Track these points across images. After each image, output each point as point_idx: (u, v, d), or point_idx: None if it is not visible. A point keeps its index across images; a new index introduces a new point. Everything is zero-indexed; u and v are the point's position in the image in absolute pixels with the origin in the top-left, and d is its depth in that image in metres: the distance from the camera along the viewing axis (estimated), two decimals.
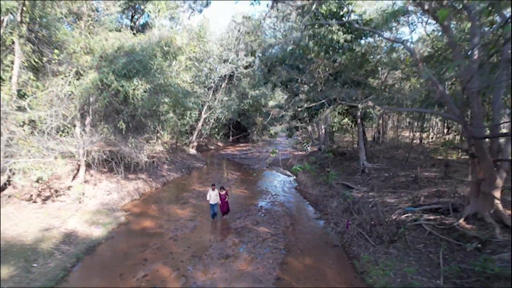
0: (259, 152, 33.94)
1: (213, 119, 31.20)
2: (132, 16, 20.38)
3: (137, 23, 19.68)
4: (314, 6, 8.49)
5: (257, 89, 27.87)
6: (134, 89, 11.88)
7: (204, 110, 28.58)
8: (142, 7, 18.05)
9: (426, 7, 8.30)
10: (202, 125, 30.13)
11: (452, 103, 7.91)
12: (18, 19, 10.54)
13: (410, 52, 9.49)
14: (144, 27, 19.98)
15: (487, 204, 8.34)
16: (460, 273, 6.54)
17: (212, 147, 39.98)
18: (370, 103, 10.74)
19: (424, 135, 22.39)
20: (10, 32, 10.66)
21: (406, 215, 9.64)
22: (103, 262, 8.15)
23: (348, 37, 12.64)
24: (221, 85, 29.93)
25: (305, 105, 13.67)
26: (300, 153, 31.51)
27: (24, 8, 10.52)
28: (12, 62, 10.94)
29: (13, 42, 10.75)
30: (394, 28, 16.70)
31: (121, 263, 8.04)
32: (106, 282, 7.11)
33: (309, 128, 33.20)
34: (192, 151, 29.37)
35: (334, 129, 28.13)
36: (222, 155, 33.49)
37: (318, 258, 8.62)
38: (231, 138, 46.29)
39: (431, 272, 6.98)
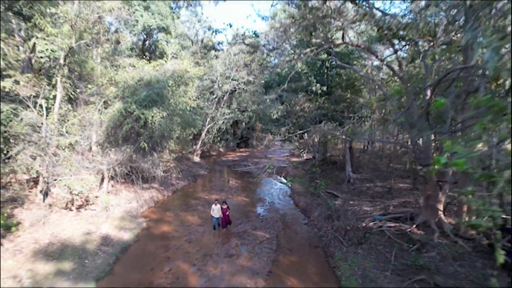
0: (258, 158, 36.40)
1: (215, 129, 33.58)
2: (144, 41, 22.77)
3: (149, 48, 22.06)
4: (298, 64, 10.90)
5: (256, 104, 30.26)
6: (152, 116, 14.31)
7: (207, 121, 30.98)
8: (155, 36, 20.49)
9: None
10: (205, 134, 32.53)
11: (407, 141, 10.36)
12: (62, 62, 12.97)
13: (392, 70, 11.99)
14: (155, 50, 22.38)
15: (433, 214, 10.78)
16: (402, 267, 8.97)
17: (214, 153, 42.39)
18: (341, 135, 13.16)
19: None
20: (54, 73, 13.10)
21: (374, 222, 12.06)
22: (136, 260, 10.57)
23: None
24: (223, 98, 32.35)
25: (296, 131, 16.15)
26: (296, 159, 33.94)
27: (68, 53, 12.96)
28: (55, 96, 13.38)
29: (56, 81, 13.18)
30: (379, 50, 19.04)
31: (150, 261, 10.46)
32: (142, 274, 9.53)
33: (305, 135, 35.63)
34: (197, 159, 31.83)
35: (327, 139, 30.45)
36: (224, 161, 35.90)
37: (302, 256, 11.05)
38: (232, 143, 48.70)
39: (384, 267, 9.40)
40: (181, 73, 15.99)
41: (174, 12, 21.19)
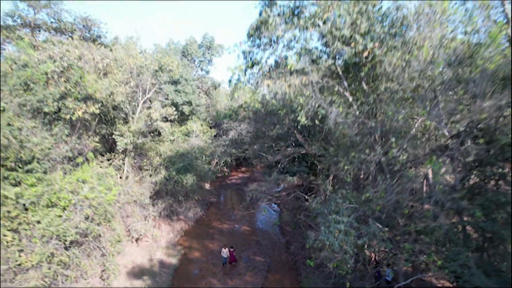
0: (257, 181, 43.61)
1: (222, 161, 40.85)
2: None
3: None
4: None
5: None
6: (186, 179, 21.57)
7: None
8: (180, 107, 27.74)
9: None
10: (214, 166, 39.76)
11: None
12: (130, 148, 20.22)
13: None
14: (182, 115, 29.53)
15: None
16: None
17: (220, 175, 49.73)
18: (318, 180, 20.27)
19: None
20: (125, 154, 20.37)
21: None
22: (184, 277, 17.79)
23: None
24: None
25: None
26: (291, 183, 41.22)
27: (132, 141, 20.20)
28: (123, 163, 20.58)
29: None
30: None
31: (192, 278, 17.68)
32: (190, 286, 16.77)
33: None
34: (207, 186, 39.10)
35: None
36: (229, 185, 43.22)
37: (283, 274, 18.28)
38: (234, 163, 55.95)
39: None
40: (204, 146, 23.30)
41: (195, 91, 28.42)
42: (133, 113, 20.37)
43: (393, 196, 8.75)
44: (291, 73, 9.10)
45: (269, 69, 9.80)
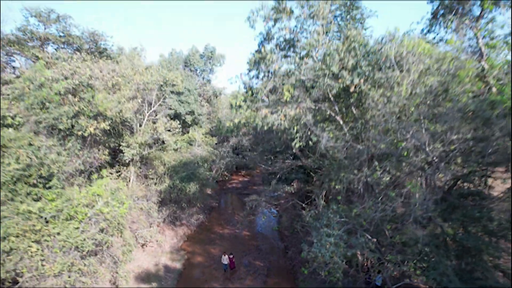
0: (257, 185, 44.77)
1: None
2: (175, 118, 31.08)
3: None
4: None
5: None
6: (190, 187, 22.69)
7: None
8: (183, 116, 28.89)
9: None
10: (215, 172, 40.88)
11: None
12: (138, 159, 21.34)
13: None
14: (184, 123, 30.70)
15: None
16: None
17: (220, 178, 50.85)
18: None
19: None
20: (131, 164, 21.49)
21: None
22: (188, 281, 18.91)
23: None
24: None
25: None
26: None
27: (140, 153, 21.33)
28: (129, 173, 21.71)
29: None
30: None
31: (196, 282, 18.80)
32: None
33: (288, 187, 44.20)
34: (208, 190, 40.21)
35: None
36: (229, 189, 44.30)
37: (281, 278, 19.40)
38: (234, 167, 57.07)
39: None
40: (207, 155, 24.45)
41: (197, 100, 29.58)
42: (140, 125, 21.50)
43: (378, 214, 9.87)
44: (286, 103, 10.25)
45: (267, 96, 10.95)
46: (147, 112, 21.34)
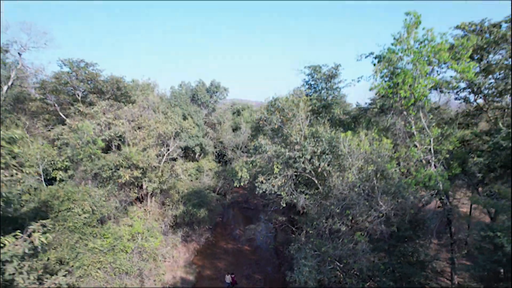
0: (257, 199, 49.58)
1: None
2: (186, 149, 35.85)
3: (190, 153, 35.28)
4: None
5: None
6: (200, 212, 27.46)
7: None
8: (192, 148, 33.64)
9: None
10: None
11: None
12: (157, 191, 26.09)
13: None
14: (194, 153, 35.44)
15: None
16: None
17: (222, 193, 55.67)
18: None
19: None
20: (152, 194, 26.25)
21: None
22: None
23: None
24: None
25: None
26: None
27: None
28: (150, 201, 26.47)
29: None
30: None
31: None
32: None
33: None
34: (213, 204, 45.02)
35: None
36: (231, 203, 49.01)
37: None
38: None
39: None
40: (213, 183, 29.22)
41: (203, 130, 34.35)
42: (159, 162, 26.26)
43: (338, 251, 14.64)
44: (275, 176, 15.02)
45: (262, 169, 15.78)
46: (166, 153, 26.10)
